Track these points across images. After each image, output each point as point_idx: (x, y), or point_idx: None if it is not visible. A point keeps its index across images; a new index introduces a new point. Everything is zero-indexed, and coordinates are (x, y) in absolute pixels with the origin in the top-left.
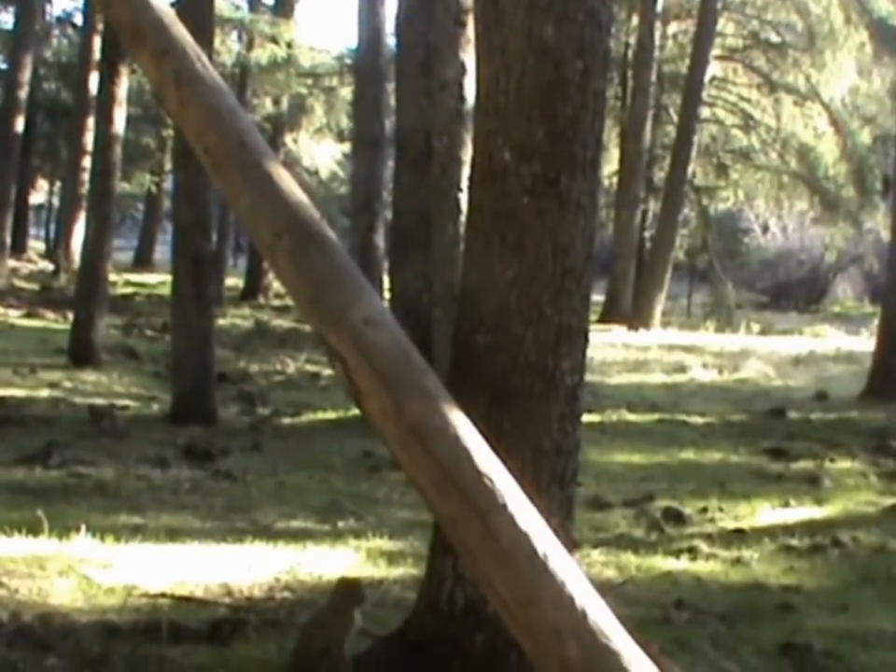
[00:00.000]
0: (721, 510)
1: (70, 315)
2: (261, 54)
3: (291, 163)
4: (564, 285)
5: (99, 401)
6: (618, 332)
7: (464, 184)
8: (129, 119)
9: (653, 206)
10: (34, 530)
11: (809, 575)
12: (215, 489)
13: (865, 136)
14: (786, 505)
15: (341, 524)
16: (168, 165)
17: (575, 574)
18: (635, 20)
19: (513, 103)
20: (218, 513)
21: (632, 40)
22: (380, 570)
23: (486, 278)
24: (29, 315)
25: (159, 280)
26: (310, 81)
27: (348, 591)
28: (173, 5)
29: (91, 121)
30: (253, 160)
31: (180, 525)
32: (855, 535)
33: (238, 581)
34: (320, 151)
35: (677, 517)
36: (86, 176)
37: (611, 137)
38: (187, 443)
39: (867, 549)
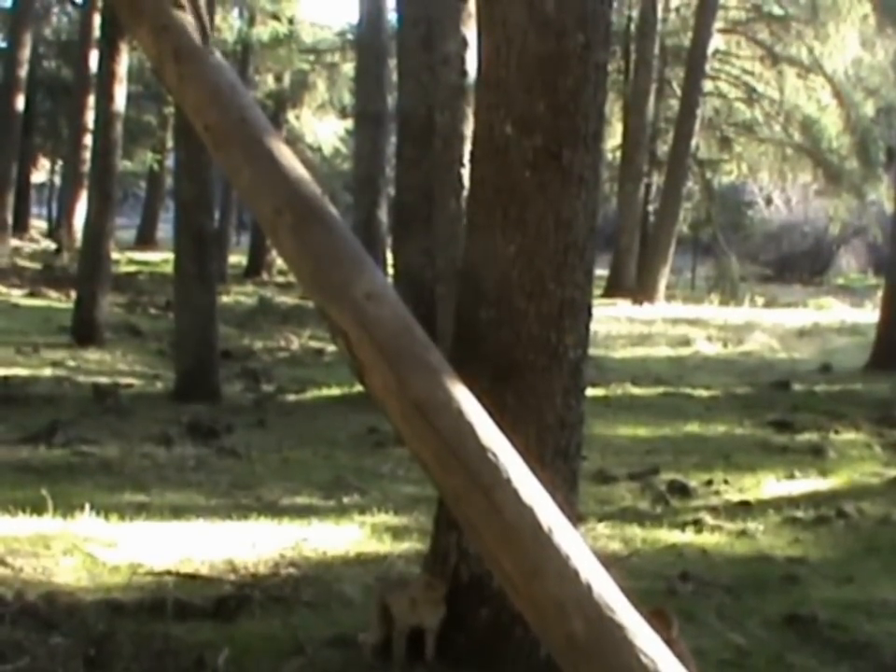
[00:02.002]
0: (725, 482)
1: (73, 294)
2: (263, 31)
3: (294, 140)
4: (566, 259)
5: (103, 380)
6: (622, 306)
7: (466, 159)
8: (130, 97)
9: (657, 180)
10: (38, 509)
11: (814, 546)
12: (219, 466)
13: (869, 108)
14: (791, 477)
15: (345, 499)
16: (170, 143)
17: (580, 547)
18: None
19: (514, 76)
20: (223, 490)
21: (634, 13)
22: (385, 546)
23: (489, 253)
24: (32, 295)
25: (162, 258)
26: (312, 57)
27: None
28: None
29: (91, 99)
30: (254, 136)
31: (185, 502)
32: (860, 506)
33: (243, 558)
34: (323, 128)
35: (682, 490)
36: (87, 154)
37: (614, 111)
38: (191, 421)
39: (872, 520)
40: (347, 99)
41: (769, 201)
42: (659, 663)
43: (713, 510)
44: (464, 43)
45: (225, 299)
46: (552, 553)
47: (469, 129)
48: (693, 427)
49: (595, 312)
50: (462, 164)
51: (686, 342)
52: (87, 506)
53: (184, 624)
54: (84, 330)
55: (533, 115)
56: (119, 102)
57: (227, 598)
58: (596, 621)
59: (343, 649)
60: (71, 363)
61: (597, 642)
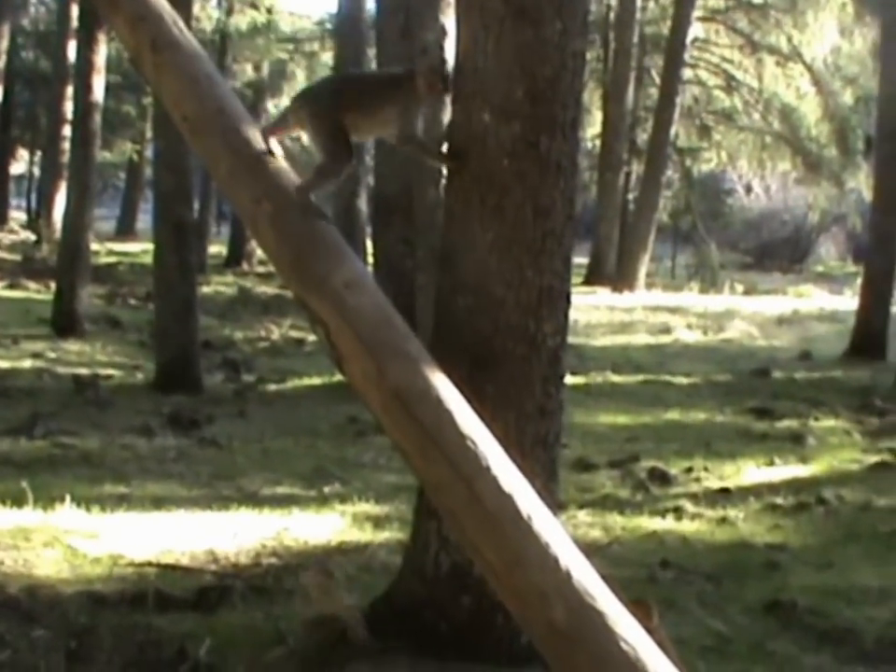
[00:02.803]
0: (706, 469)
1: (53, 286)
2: (241, 20)
3: None
4: (545, 246)
5: (83, 371)
6: (602, 294)
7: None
8: (109, 88)
9: (637, 168)
10: (18, 502)
11: (794, 533)
12: (200, 457)
13: (847, 96)
14: (771, 464)
15: (327, 489)
16: (149, 133)
17: (559, 535)
18: None
19: (492, 64)
20: (204, 481)
21: (613, 1)
22: (366, 535)
23: (467, 241)
24: (11, 286)
25: (142, 249)
26: (291, 47)
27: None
28: None
29: (70, 90)
30: (232, 125)
31: (166, 493)
32: (839, 493)
33: (224, 548)
34: None
35: (662, 477)
36: (66, 145)
37: (594, 100)
38: (171, 411)
39: (851, 506)
40: None
41: (749, 189)
42: (639, 649)
43: (693, 497)
44: (443, 32)
45: (205, 289)
46: (532, 540)
47: (447, 117)
48: (673, 415)
49: (576, 300)
50: None
51: (666, 329)
52: (67, 498)
53: (165, 615)
54: (64, 322)
55: (510, 103)
56: (98, 92)
57: (208, 589)
58: (577, 608)
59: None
60: (51, 355)
61: (578, 629)
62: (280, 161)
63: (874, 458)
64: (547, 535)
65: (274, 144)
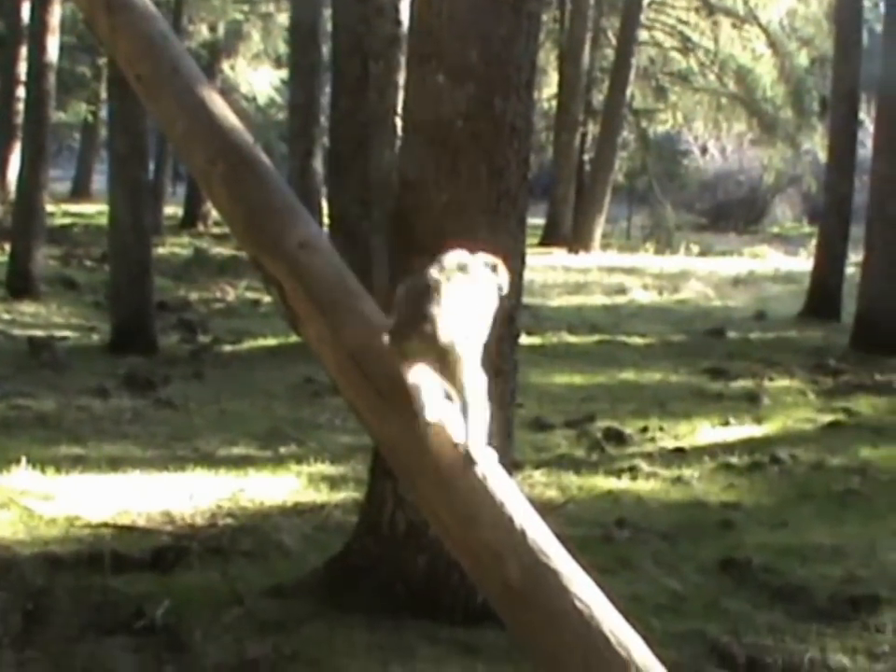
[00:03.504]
0: (661, 429)
1: (7, 247)
2: None
3: (229, 90)
4: (499, 207)
5: (38, 333)
6: (558, 255)
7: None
8: (63, 48)
9: (593, 129)
10: None
11: (749, 492)
12: (156, 418)
13: (803, 58)
14: (725, 424)
15: (282, 450)
16: (104, 94)
17: (514, 494)
18: None
19: (447, 25)
20: (160, 442)
21: None
22: (322, 495)
23: (421, 203)
24: None
25: (97, 210)
26: (246, 7)
27: None
28: None
29: (24, 50)
30: (186, 85)
31: (122, 454)
32: (793, 452)
33: (180, 509)
34: (258, 78)
35: (617, 437)
36: (20, 106)
37: (550, 60)
38: (127, 373)
39: (805, 465)
40: (282, 49)
41: (704, 150)
42: (594, 608)
43: (649, 456)
44: None
45: (161, 250)
46: (486, 499)
47: (403, 79)
48: (628, 375)
49: (532, 261)
50: (397, 114)
51: (622, 290)
52: (23, 459)
53: (122, 576)
54: (19, 283)
55: (465, 64)
56: (52, 53)
57: (165, 550)
58: (532, 566)
59: (281, 599)
60: (6, 317)
61: (532, 588)
62: (232, 118)
63: (827, 418)
64: (502, 494)
65: None
